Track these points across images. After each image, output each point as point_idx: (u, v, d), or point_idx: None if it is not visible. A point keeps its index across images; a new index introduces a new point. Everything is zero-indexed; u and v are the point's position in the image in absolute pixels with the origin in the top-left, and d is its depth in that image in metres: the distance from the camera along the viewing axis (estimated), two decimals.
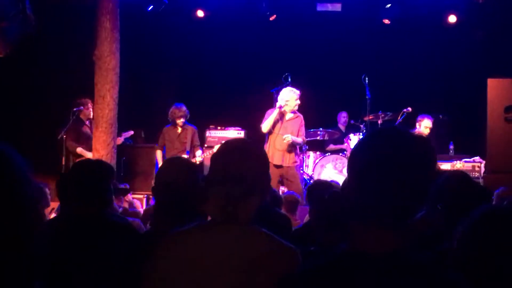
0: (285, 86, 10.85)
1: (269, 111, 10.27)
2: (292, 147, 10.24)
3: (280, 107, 10.09)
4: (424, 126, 10.76)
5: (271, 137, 10.22)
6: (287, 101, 10.13)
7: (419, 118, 10.91)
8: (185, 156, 10.63)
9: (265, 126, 10.19)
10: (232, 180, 2.52)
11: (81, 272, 3.55)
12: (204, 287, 2.48)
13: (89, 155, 10.28)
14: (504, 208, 2.14)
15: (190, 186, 3.43)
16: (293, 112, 10.30)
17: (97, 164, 4.15)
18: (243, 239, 2.51)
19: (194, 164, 3.81)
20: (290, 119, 10.29)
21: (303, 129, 10.45)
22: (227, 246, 2.48)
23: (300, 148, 11.87)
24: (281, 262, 2.46)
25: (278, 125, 10.20)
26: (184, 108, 10.97)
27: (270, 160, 9.67)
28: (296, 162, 10.39)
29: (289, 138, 10.04)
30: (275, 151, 10.14)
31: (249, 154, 2.61)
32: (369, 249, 1.79)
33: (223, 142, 2.79)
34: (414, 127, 10.77)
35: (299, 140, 10.34)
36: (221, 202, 2.51)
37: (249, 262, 2.46)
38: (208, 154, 11.05)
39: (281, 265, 2.44)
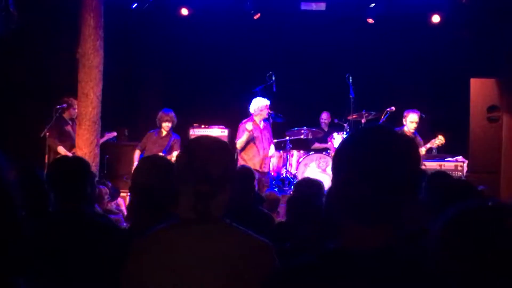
0: (269, 85, 10.99)
1: (242, 126, 10.62)
2: (268, 151, 10.87)
3: (251, 131, 10.47)
4: (409, 121, 10.62)
5: (251, 146, 10.69)
6: (261, 110, 10.63)
7: (404, 114, 10.81)
8: (161, 154, 10.58)
9: (239, 144, 10.58)
10: (200, 177, 2.53)
11: (59, 270, 3.54)
12: (181, 286, 2.50)
13: (65, 153, 10.29)
14: (478, 205, 2.14)
15: (166, 185, 3.43)
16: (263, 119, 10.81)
17: (75, 160, 4.13)
18: (217, 236, 2.53)
19: (168, 163, 3.79)
20: (264, 127, 10.81)
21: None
22: (202, 244, 2.50)
23: (284, 147, 12.11)
24: (255, 257, 2.50)
25: (257, 135, 10.66)
26: (171, 114, 10.95)
27: (256, 167, 10.21)
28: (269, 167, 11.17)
29: (272, 152, 11.01)
30: (257, 158, 10.68)
31: (213, 150, 2.63)
32: (359, 246, 1.80)
33: (187, 141, 2.81)
34: (398, 125, 10.76)
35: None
36: (191, 200, 2.53)
37: (224, 259, 2.48)
38: None
39: (255, 259, 2.49)
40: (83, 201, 3.80)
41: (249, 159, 10.55)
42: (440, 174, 4.47)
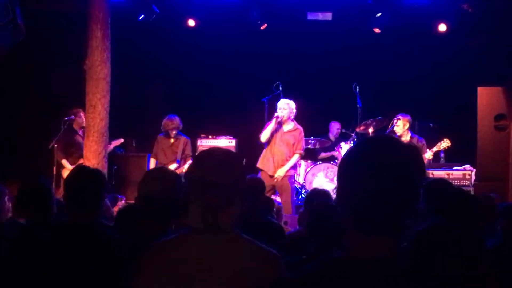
0: (276, 95, 10.94)
1: (268, 122, 10.28)
2: (286, 159, 10.18)
3: (277, 117, 10.10)
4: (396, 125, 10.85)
5: (269, 147, 10.23)
6: (284, 109, 10.15)
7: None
8: (174, 165, 10.68)
9: (263, 136, 10.20)
10: (211, 189, 2.55)
11: (69, 282, 3.55)
12: None
13: (68, 167, 10.37)
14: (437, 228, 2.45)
15: (170, 197, 3.44)
16: (292, 122, 10.32)
17: (96, 172, 4.15)
18: (225, 247, 2.54)
19: (175, 174, 3.80)
20: (289, 131, 10.26)
21: (302, 142, 10.35)
22: (210, 254, 2.51)
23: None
24: (262, 267, 2.51)
25: (277, 136, 10.19)
26: (176, 120, 10.99)
27: (265, 169, 9.77)
28: (289, 174, 10.26)
29: (280, 174, 10.08)
30: (270, 161, 10.16)
31: (224, 163, 2.64)
32: (363, 256, 1.80)
33: (198, 153, 2.83)
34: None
35: (293, 162, 10.27)
36: (201, 211, 2.54)
37: (231, 269, 2.49)
38: None
39: (262, 270, 2.50)
40: (95, 212, 3.82)
41: (262, 162, 10.19)
42: (439, 183, 4.46)
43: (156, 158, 11.16)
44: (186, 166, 10.60)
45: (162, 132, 11.13)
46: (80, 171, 4.17)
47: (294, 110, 10.30)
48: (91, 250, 3.62)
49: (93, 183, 3.86)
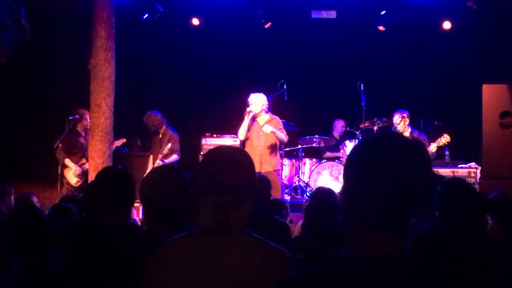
0: (281, 93, 10.93)
1: (243, 120, 10.34)
2: (270, 152, 10.23)
3: (250, 112, 10.15)
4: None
5: (247, 144, 10.28)
6: (256, 103, 10.22)
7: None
8: (159, 162, 10.70)
9: (240, 134, 10.28)
10: (221, 189, 2.53)
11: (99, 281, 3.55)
12: None
13: (72, 166, 10.38)
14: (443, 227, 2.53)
15: (173, 196, 3.41)
16: (267, 114, 10.37)
17: (126, 172, 4.16)
18: (235, 246, 2.52)
19: (176, 172, 3.75)
20: (265, 123, 10.28)
21: (283, 130, 10.41)
22: (219, 254, 2.49)
23: (296, 156, 11.90)
24: (273, 267, 2.49)
25: (254, 131, 10.26)
26: (146, 117, 11.29)
27: None
28: (276, 167, 10.33)
29: (268, 129, 10.06)
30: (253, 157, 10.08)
31: (235, 162, 2.61)
32: (371, 253, 1.79)
33: (207, 151, 2.79)
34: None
35: (281, 134, 10.27)
36: (211, 211, 2.52)
37: (241, 269, 2.47)
38: None
39: (273, 269, 2.48)
40: (129, 212, 3.86)
41: None
42: (457, 182, 4.43)
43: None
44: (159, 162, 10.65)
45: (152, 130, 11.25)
46: (110, 171, 4.18)
47: (266, 102, 10.36)
48: (124, 249, 3.60)
49: (125, 183, 3.90)
